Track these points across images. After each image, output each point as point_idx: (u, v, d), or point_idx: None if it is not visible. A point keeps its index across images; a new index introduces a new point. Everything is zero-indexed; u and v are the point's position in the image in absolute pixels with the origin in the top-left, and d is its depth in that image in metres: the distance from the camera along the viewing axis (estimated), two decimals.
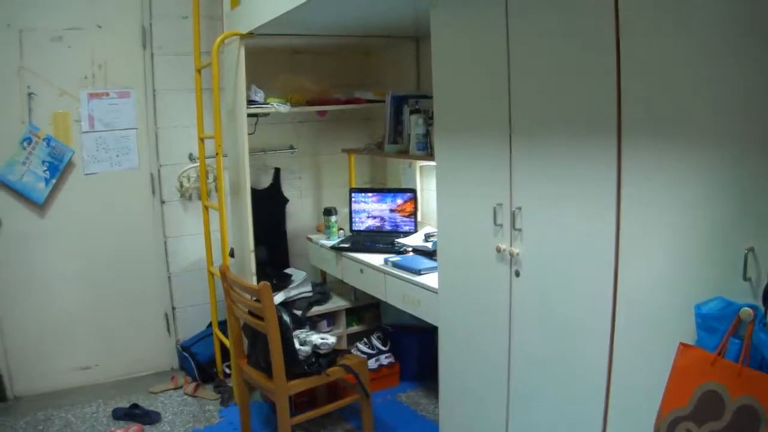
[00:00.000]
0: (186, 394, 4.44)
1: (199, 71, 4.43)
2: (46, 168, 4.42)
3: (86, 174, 4.55)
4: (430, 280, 3.26)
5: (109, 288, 4.72)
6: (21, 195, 4.41)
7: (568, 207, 2.25)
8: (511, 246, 2.53)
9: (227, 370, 4.49)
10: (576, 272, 2.24)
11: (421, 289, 3.30)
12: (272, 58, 4.62)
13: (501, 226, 2.56)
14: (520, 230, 2.48)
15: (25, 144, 4.36)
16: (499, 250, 2.57)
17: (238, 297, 3.50)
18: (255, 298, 3.32)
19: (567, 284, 2.29)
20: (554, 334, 2.38)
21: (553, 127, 2.28)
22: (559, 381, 2.39)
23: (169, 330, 4.93)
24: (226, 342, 4.22)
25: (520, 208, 2.46)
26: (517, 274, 2.51)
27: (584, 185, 2.16)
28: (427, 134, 3.70)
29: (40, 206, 4.46)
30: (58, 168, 4.45)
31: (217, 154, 3.93)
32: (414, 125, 3.78)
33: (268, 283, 3.23)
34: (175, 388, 4.55)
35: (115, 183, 4.62)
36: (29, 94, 4.38)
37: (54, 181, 4.45)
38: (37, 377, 4.58)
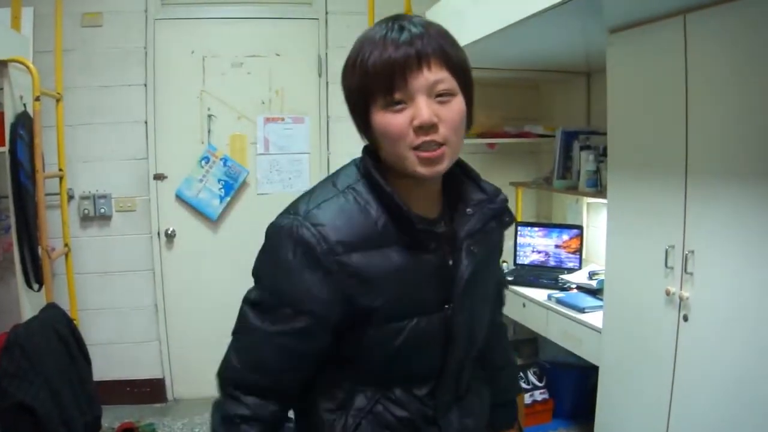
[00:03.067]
0: None
1: None
2: (221, 186, 4.69)
3: (259, 194, 4.80)
4: (594, 318, 3.21)
5: None
6: (196, 210, 4.71)
7: (745, 253, 2.18)
8: (681, 290, 2.47)
9: None
10: (750, 322, 2.17)
11: (584, 328, 3.25)
12: None
13: (672, 268, 2.51)
14: (691, 274, 2.42)
15: (203, 162, 4.66)
16: (668, 293, 2.52)
17: None
18: None
19: (739, 334, 2.22)
20: (721, 384, 2.30)
21: (733, 170, 2.22)
22: None
23: None
24: None
25: (692, 252, 2.41)
26: (686, 318, 2.45)
27: (762, 231, 2.10)
28: (597, 171, 3.66)
29: (213, 222, 4.74)
30: (233, 187, 4.71)
31: None
32: (584, 161, 3.75)
33: None
34: None
35: (285, 204, 4.80)
36: (209, 116, 4.68)
37: (228, 198, 4.72)
38: (196, 382, 4.75)
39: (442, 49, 1.26)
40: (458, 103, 1.28)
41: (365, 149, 1.41)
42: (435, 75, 1.24)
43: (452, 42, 1.32)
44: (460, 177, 1.45)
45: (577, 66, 4.22)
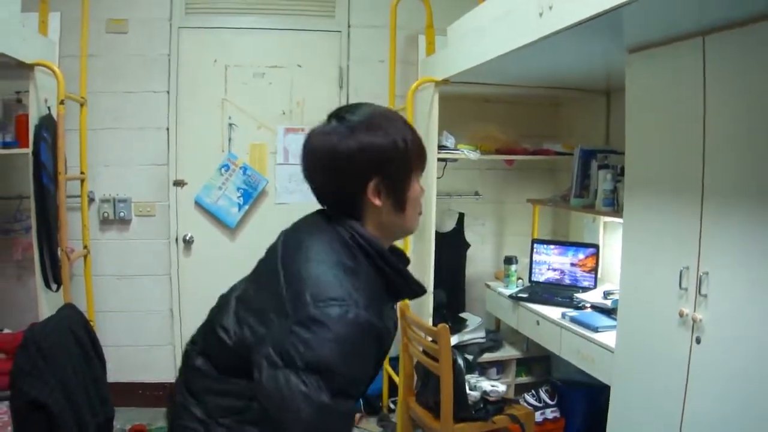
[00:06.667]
0: None
1: None
2: (240, 194, 4.74)
3: (277, 203, 4.83)
4: (607, 338, 3.20)
5: None
6: (214, 217, 4.76)
7: (761, 276, 2.17)
8: (694, 311, 2.46)
9: (392, 405, 4.58)
10: (764, 346, 2.16)
11: (597, 347, 3.25)
12: (463, 105, 4.71)
13: (686, 290, 2.50)
14: (705, 296, 2.41)
15: (222, 170, 4.71)
16: (681, 314, 2.51)
17: (415, 336, 3.59)
18: (432, 339, 3.39)
19: (753, 357, 2.21)
20: (733, 408, 2.29)
21: (749, 193, 2.22)
22: None
23: None
24: (395, 378, 4.30)
25: (707, 273, 2.40)
26: (698, 341, 2.44)
27: None
28: (615, 190, 3.66)
29: (231, 230, 4.78)
30: (252, 195, 4.76)
31: None
32: (602, 180, 3.74)
33: (447, 326, 3.29)
34: None
35: (303, 214, 4.80)
36: (230, 125, 4.74)
37: (247, 207, 4.76)
38: None
39: None
40: None
41: (351, 224, 1.53)
42: None
43: None
44: None
45: (596, 85, 4.23)
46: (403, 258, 1.69)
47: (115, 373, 4.08)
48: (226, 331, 1.53)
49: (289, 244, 1.58)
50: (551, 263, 4.49)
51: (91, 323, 3.76)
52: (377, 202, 1.51)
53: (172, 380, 4.69)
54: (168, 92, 4.62)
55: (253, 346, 1.43)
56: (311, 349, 1.31)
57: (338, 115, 1.57)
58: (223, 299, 1.71)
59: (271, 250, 1.65)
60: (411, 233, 1.64)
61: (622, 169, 3.37)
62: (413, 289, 1.60)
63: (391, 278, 1.51)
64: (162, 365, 4.76)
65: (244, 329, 1.49)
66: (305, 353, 1.31)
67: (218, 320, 1.59)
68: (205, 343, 1.62)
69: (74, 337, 3.27)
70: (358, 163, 1.49)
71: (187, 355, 1.69)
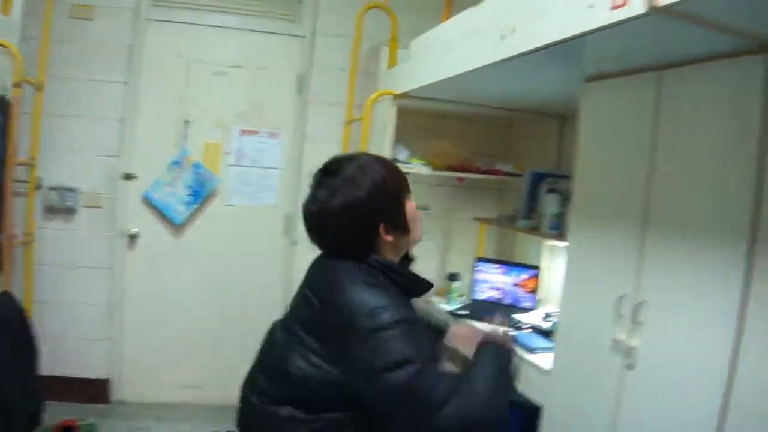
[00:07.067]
0: None
1: (349, 123, 4.61)
2: (189, 192, 4.70)
3: (226, 204, 4.81)
4: (543, 360, 3.25)
5: (228, 315, 4.92)
6: (161, 213, 4.72)
7: (697, 308, 2.22)
8: (629, 339, 2.51)
9: None
10: (695, 376, 2.21)
11: (532, 368, 3.29)
12: (419, 120, 4.70)
13: (622, 317, 2.56)
14: (641, 324, 2.46)
15: (173, 167, 4.67)
16: (616, 340, 2.56)
17: None
18: None
19: (685, 387, 2.26)
20: None
21: (690, 227, 2.28)
22: None
23: None
24: None
25: (644, 302, 2.45)
26: (632, 367, 2.49)
27: (712, 287, 2.15)
28: (561, 215, 3.71)
29: (177, 227, 4.75)
30: (201, 194, 4.73)
31: None
32: (549, 204, 3.80)
33: None
34: None
35: (251, 217, 4.85)
36: (186, 121, 4.70)
37: (195, 205, 4.73)
38: (143, 386, 4.81)
39: None
40: None
41: (370, 257, 1.86)
42: None
43: None
44: None
45: (552, 109, 4.29)
46: (408, 261, 2.10)
47: (48, 366, 4.01)
48: (300, 369, 1.76)
49: (318, 282, 1.90)
50: (493, 282, 4.53)
51: (28, 313, 3.70)
52: (390, 238, 1.89)
53: (106, 376, 4.65)
54: (126, 83, 4.56)
55: (331, 376, 1.72)
56: (382, 352, 1.63)
57: (322, 182, 1.88)
58: (272, 336, 2.08)
59: (300, 295, 1.96)
60: (420, 240, 2.05)
61: (570, 194, 3.43)
62: (423, 288, 2.02)
63: (403, 285, 1.90)
64: (97, 360, 4.69)
65: (311, 359, 1.75)
66: (381, 358, 1.62)
67: (287, 363, 1.81)
68: (289, 392, 1.80)
69: (8, 326, 3.22)
70: (362, 220, 1.83)
71: (257, 411, 1.89)
